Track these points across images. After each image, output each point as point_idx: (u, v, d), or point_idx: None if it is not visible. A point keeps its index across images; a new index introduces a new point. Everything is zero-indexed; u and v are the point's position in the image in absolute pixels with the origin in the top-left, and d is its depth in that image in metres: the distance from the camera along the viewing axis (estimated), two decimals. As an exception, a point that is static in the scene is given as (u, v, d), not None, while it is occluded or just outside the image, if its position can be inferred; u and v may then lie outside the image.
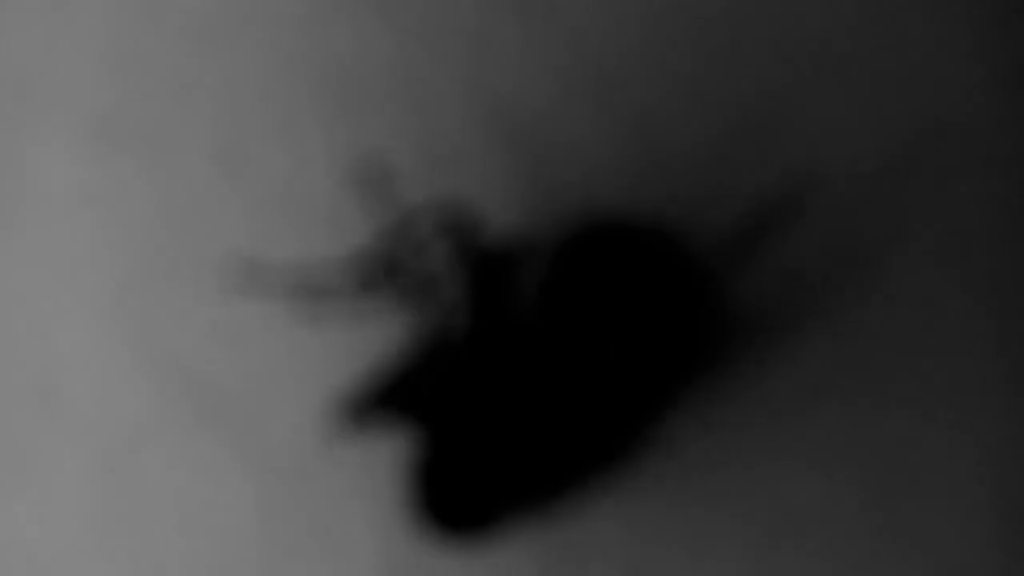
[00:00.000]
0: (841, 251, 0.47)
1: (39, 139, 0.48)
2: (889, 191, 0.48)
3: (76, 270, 0.47)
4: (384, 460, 0.47)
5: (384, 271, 0.44)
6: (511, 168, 0.47)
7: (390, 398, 0.44)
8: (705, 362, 0.47)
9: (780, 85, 0.48)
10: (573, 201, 0.46)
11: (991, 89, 0.48)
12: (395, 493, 0.46)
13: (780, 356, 0.47)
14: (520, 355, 0.43)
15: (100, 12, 0.48)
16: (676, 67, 0.48)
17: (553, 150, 0.47)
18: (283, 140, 0.48)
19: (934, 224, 0.48)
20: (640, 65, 0.48)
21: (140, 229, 0.47)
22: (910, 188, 0.48)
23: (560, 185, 0.47)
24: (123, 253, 0.47)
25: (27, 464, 0.47)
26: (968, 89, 0.48)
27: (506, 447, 0.43)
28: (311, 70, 0.48)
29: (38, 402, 0.47)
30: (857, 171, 0.48)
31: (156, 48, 0.48)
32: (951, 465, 0.47)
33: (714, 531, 0.47)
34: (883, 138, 0.48)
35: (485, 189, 0.47)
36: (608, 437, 0.45)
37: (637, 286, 0.43)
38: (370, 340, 0.47)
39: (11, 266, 0.47)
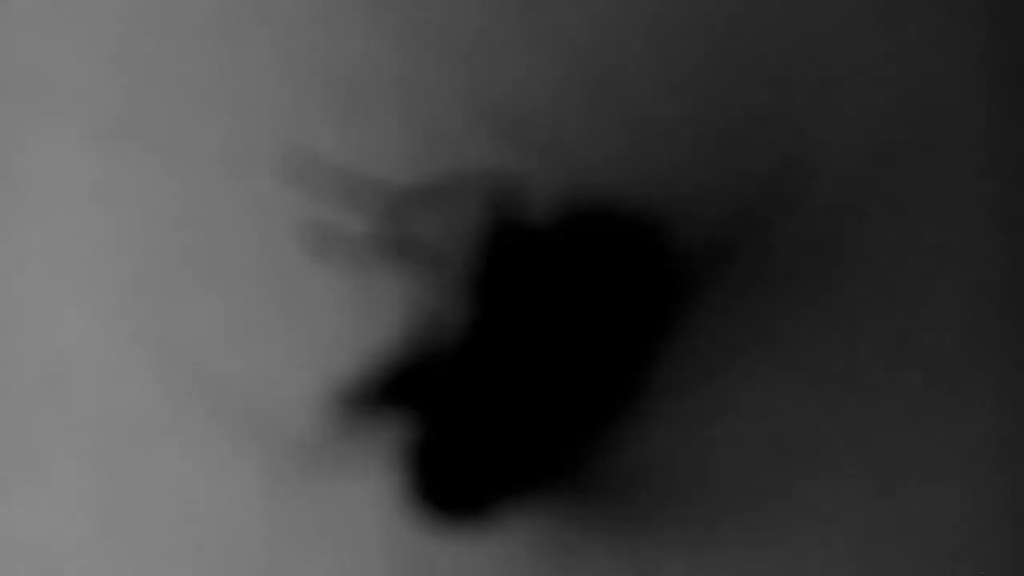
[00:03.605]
0: (838, 247, 0.48)
1: (50, 136, 0.48)
2: (886, 189, 0.48)
3: (85, 266, 0.47)
4: (389, 451, 0.47)
5: (411, 215, 0.44)
6: (511, 164, 0.47)
7: (390, 390, 0.44)
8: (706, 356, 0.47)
9: (778, 83, 0.48)
10: (572, 196, 0.46)
11: (991, 89, 0.48)
12: (399, 482, 0.47)
13: (777, 351, 0.47)
14: (508, 342, 0.43)
15: (111, 10, 0.48)
16: (674, 65, 0.48)
17: (553, 148, 0.48)
18: (292, 138, 0.48)
19: (931, 222, 0.48)
20: (638, 65, 0.48)
21: (150, 225, 0.48)
22: (907, 186, 0.48)
23: (560, 181, 0.47)
24: (132, 249, 0.47)
25: (34, 458, 0.47)
26: (968, 89, 0.48)
27: (501, 433, 0.43)
28: (319, 69, 0.48)
29: (45, 396, 0.47)
30: (855, 169, 0.48)
31: (167, 47, 0.48)
32: (943, 454, 0.47)
33: (711, 518, 0.47)
34: (881, 137, 0.48)
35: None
36: (596, 423, 0.45)
37: (611, 271, 0.44)
38: (379, 338, 0.47)
39: (21, 261, 0.47)
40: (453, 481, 0.43)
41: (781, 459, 0.47)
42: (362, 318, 0.47)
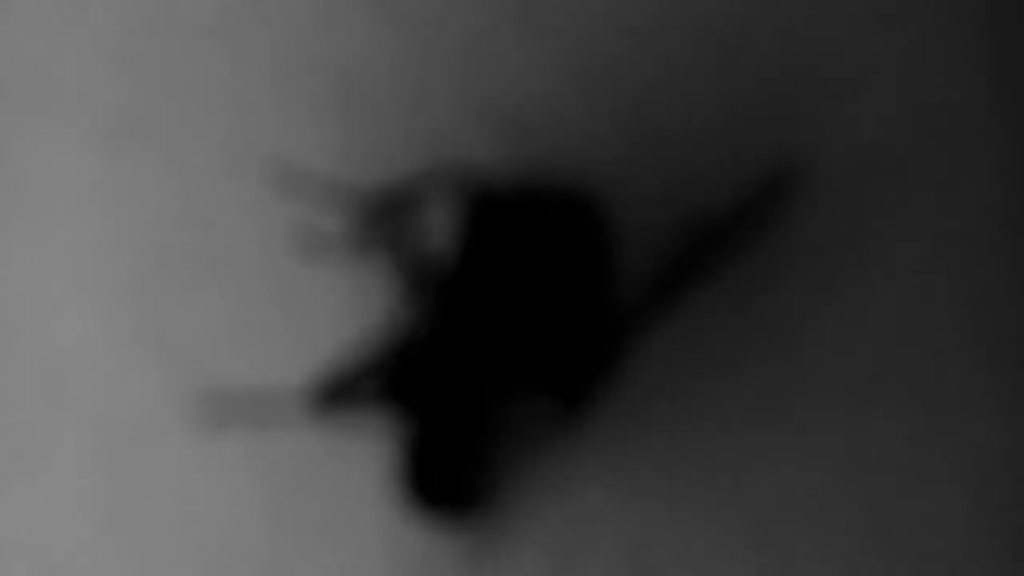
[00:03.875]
0: (837, 247, 0.48)
1: (50, 136, 0.48)
2: (886, 189, 0.48)
3: (85, 266, 0.48)
4: (386, 451, 0.47)
5: (386, 213, 0.44)
6: (504, 159, 0.48)
7: (369, 382, 0.45)
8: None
9: (778, 83, 0.48)
10: (561, 190, 0.47)
11: (991, 89, 0.48)
12: (392, 479, 0.47)
13: (776, 351, 0.47)
14: (484, 330, 0.44)
15: (111, 10, 0.48)
16: (674, 66, 0.48)
17: (546, 142, 0.48)
18: (290, 136, 0.48)
19: (931, 222, 0.48)
20: (638, 66, 0.48)
21: (149, 224, 0.48)
22: (907, 186, 0.48)
23: (555, 174, 0.47)
24: (132, 249, 0.48)
25: (35, 458, 0.47)
26: (968, 89, 0.48)
27: (480, 425, 0.44)
28: (318, 70, 0.48)
29: (46, 396, 0.47)
30: (855, 169, 0.48)
31: (167, 47, 0.48)
32: (942, 454, 0.47)
33: (708, 515, 0.47)
34: (881, 137, 0.48)
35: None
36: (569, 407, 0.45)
37: (547, 253, 0.44)
38: (377, 336, 0.47)
39: (21, 261, 0.48)
40: (438, 475, 0.44)
41: (779, 459, 0.47)
42: (361, 317, 0.47)
